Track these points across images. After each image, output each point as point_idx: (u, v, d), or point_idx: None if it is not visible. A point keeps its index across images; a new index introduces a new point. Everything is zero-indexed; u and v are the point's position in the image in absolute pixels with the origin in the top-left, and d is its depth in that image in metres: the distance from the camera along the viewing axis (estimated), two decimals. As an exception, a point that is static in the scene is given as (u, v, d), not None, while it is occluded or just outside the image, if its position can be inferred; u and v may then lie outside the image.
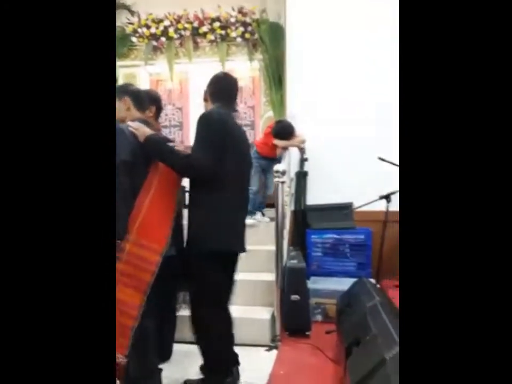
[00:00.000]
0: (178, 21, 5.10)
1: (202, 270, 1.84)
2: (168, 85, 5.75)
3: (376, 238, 3.05)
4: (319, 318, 2.78)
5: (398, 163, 2.84)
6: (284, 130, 3.39)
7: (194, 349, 1.92)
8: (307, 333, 2.53)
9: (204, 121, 1.80)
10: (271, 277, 2.65)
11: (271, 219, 3.51)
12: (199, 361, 1.93)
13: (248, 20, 4.94)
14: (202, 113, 1.86)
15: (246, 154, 2.01)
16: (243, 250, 1.98)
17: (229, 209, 1.86)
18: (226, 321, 1.96)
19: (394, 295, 2.76)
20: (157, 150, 1.78)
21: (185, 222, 2.02)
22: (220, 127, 1.79)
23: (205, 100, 2.03)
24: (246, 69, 5.37)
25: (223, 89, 1.97)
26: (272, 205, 3.63)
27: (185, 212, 2.00)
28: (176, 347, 2.26)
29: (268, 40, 4.71)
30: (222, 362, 1.91)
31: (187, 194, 1.98)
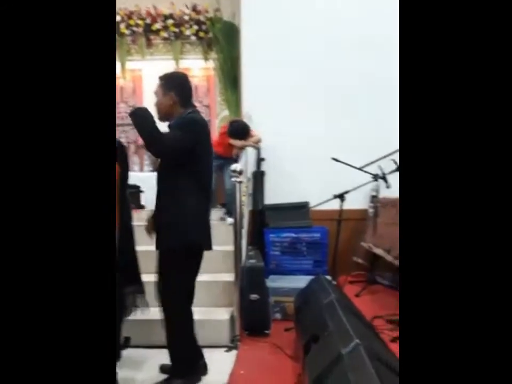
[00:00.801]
0: (130, 17, 4.96)
1: (175, 266, 1.86)
2: (120, 82, 5.58)
3: (331, 236, 3.13)
4: (278, 316, 2.81)
5: (351, 163, 2.92)
6: (239, 130, 3.39)
7: (144, 352, 1.90)
8: (266, 332, 2.55)
9: (190, 123, 1.86)
10: (229, 277, 2.65)
11: (222, 219, 3.51)
12: (149, 364, 1.91)
13: (202, 18, 4.90)
14: (189, 117, 1.89)
15: (211, 155, 2.05)
16: (211, 247, 2.02)
17: (200, 207, 1.92)
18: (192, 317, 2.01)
19: (349, 291, 2.86)
20: (144, 118, 1.74)
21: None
22: (203, 131, 1.89)
23: (164, 95, 1.94)
24: (201, 67, 5.32)
25: (189, 91, 1.97)
26: (224, 204, 3.64)
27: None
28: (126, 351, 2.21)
29: (223, 39, 4.69)
30: (194, 358, 1.98)
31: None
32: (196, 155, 1.85)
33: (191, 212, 1.87)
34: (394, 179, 2.92)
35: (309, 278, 2.61)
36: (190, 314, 1.97)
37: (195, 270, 1.97)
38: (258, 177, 3.61)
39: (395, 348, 1.93)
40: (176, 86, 1.92)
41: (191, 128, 1.85)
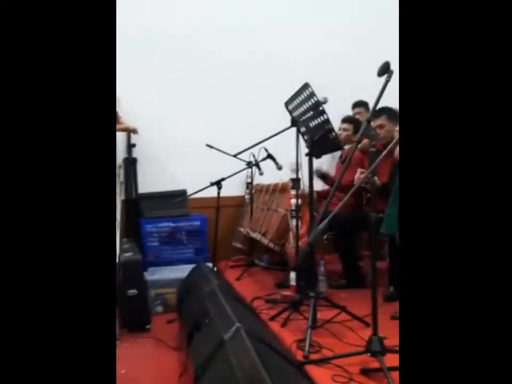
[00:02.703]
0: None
1: None
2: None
3: (210, 223, 3.16)
4: (160, 309, 2.74)
5: (227, 150, 2.96)
6: None
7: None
8: (147, 327, 2.47)
9: None
10: (103, 274, 2.48)
11: None
12: None
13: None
14: None
15: None
16: None
17: None
18: None
19: (230, 275, 2.94)
20: None
21: None
22: None
23: None
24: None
25: None
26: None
27: None
28: None
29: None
30: None
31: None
32: None
33: None
34: (266, 166, 3.06)
35: (190, 267, 2.60)
36: None
37: None
38: (130, 164, 3.42)
39: (273, 325, 2.06)
40: None
41: None
